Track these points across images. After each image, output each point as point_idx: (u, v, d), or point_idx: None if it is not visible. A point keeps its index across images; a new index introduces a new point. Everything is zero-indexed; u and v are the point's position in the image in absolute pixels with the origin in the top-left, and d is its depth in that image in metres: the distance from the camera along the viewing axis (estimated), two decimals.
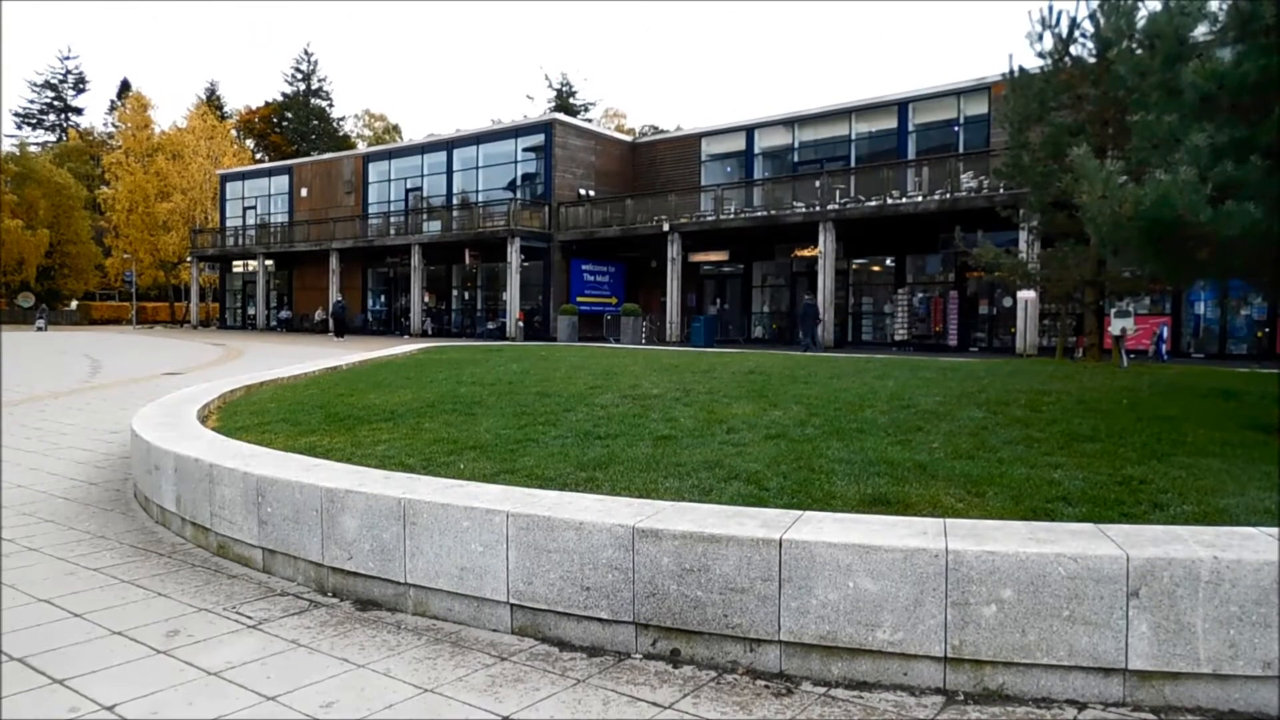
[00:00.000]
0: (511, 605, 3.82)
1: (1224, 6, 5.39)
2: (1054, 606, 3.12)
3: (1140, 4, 8.32)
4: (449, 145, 40.17)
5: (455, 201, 38.66)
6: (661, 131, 42.46)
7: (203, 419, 6.91)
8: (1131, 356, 19.51)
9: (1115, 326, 14.66)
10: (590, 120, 47.24)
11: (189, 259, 49.46)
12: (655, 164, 37.28)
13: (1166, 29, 5.51)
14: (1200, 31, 5.85)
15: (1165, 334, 23.52)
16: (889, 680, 3.29)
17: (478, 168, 38.92)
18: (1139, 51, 5.80)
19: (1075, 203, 6.22)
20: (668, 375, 9.65)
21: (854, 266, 31.29)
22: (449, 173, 39.64)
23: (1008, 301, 25.21)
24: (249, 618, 3.97)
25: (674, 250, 30.75)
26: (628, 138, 41.33)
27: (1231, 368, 13.73)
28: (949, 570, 3.17)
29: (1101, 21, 11.90)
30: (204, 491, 5.07)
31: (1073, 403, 6.75)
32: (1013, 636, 3.15)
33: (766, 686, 3.31)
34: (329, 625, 3.90)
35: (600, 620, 3.65)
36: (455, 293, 40.74)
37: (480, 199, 37.61)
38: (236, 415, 7.18)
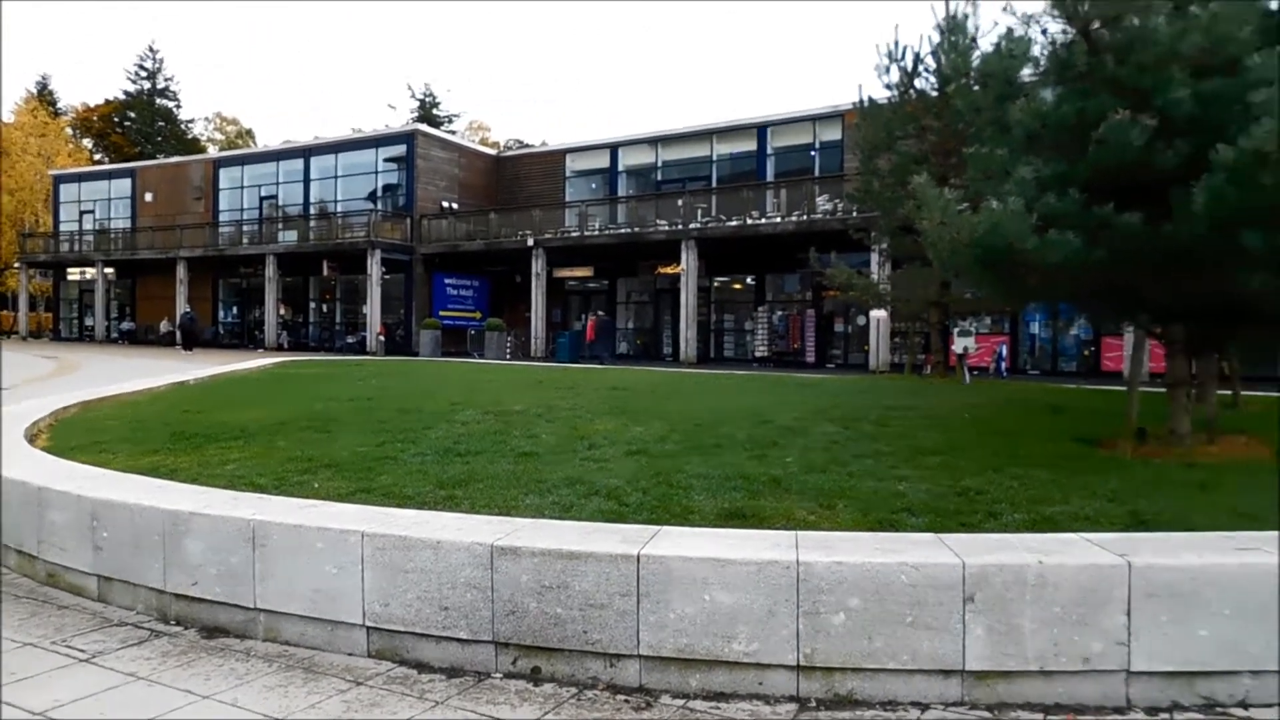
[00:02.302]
0: (368, 628, 3.74)
1: (1045, 52, 5.83)
2: (898, 613, 3.28)
3: (976, 45, 8.91)
4: (306, 153, 38.93)
5: (313, 211, 37.46)
6: (526, 146, 42.43)
7: (31, 438, 6.47)
8: (975, 373, 20.63)
9: (958, 345, 15.52)
10: (454, 132, 46.72)
11: (17, 265, 46.08)
12: (520, 178, 37.16)
13: (997, 69, 5.91)
14: (1027, 73, 6.29)
15: (1005, 352, 24.98)
16: (745, 690, 3.39)
17: (337, 177, 37.85)
18: (978, 88, 6.20)
19: (918, 228, 6.59)
20: (531, 391, 9.63)
21: (716, 284, 31.98)
22: (306, 181, 38.39)
23: (861, 320, 26.26)
24: (81, 651, 3.74)
25: (539, 265, 30.70)
26: (492, 151, 41.08)
27: (1061, 384, 14.71)
28: (800, 581, 3.30)
29: (942, 59, 12.70)
30: (32, 516, 4.74)
31: (919, 418, 7.10)
32: (860, 643, 3.30)
33: (626, 701, 3.34)
34: (171, 655, 3.72)
35: (459, 640, 3.61)
36: (313, 305, 39.42)
37: (339, 209, 36.56)
38: (71, 434, 6.75)
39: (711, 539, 3.66)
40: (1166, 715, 3.20)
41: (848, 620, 3.29)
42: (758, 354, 30.02)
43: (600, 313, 29.87)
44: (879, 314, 20.07)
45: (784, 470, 5.02)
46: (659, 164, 34.24)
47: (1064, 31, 6.01)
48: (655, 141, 34.13)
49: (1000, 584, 3.26)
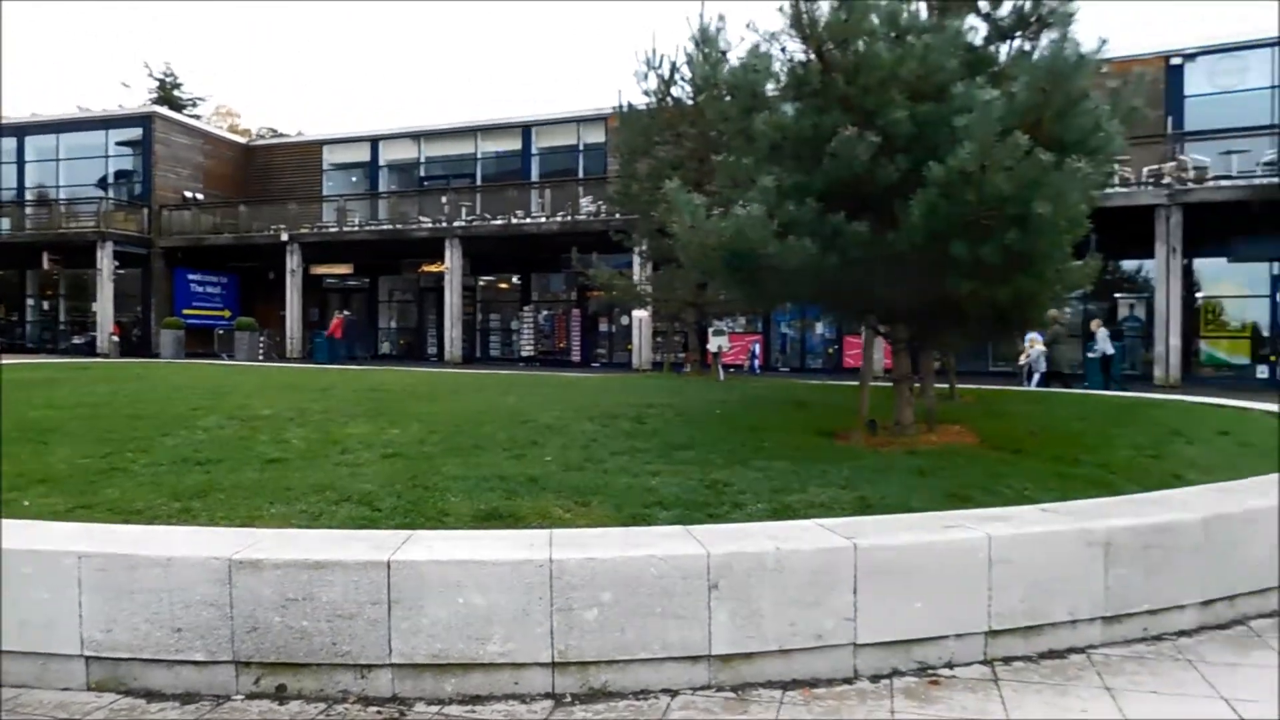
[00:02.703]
0: (87, 658, 3.41)
1: (785, 69, 6.22)
2: (648, 605, 3.39)
3: (725, 58, 9.37)
4: (20, 131, 34.82)
5: (30, 197, 33.62)
6: (281, 135, 40.05)
7: None
8: (731, 371, 21.65)
9: (713, 344, 16.24)
10: (199, 117, 43.35)
11: None
12: (273, 169, 35.11)
13: (742, 82, 6.24)
14: (771, 87, 6.67)
15: (758, 351, 26.42)
16: (501, 691, 3.38)
17: (59, 160, 34.15)
18: (728, 99, 6.53)
19: (670, 231, 6.84)
20: (282, 394, 9.14)
21: (482, 283, 31.70)
22: (20, 163, 34.37)
23: (625, 320, 26.86)
24: None
25: (294, 261, 29.17)
26: (242, 139, 38.50)
27: (808, 380, 15.73)
28: (554, 579, 3.33)
29: (696, 70, 13.29)
30: None
31: (674, 415, 7.37)
32: (613, 636, 3.38)
33: (379, 712, 3.25)
34: None
35: (195, 663, 3.37)
36: (31, 302, 35.37)
37: (62, 195, 33.02)
38: None
39: (466, 541, 3.63)
40: (887, 681, 3.50)
41: (600, 615, 3.36)
42: (524, 353, 30.03)
43: (347, 311, 28.77)
44: (641, 314, 20.63)
45: (542, 469, 5.06)
46: (422, 160, 33.47)
47: (802, 50, 6.43)
48: (418, 136, 33.34)
49: (742, 571, 3.44)
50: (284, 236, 29.01)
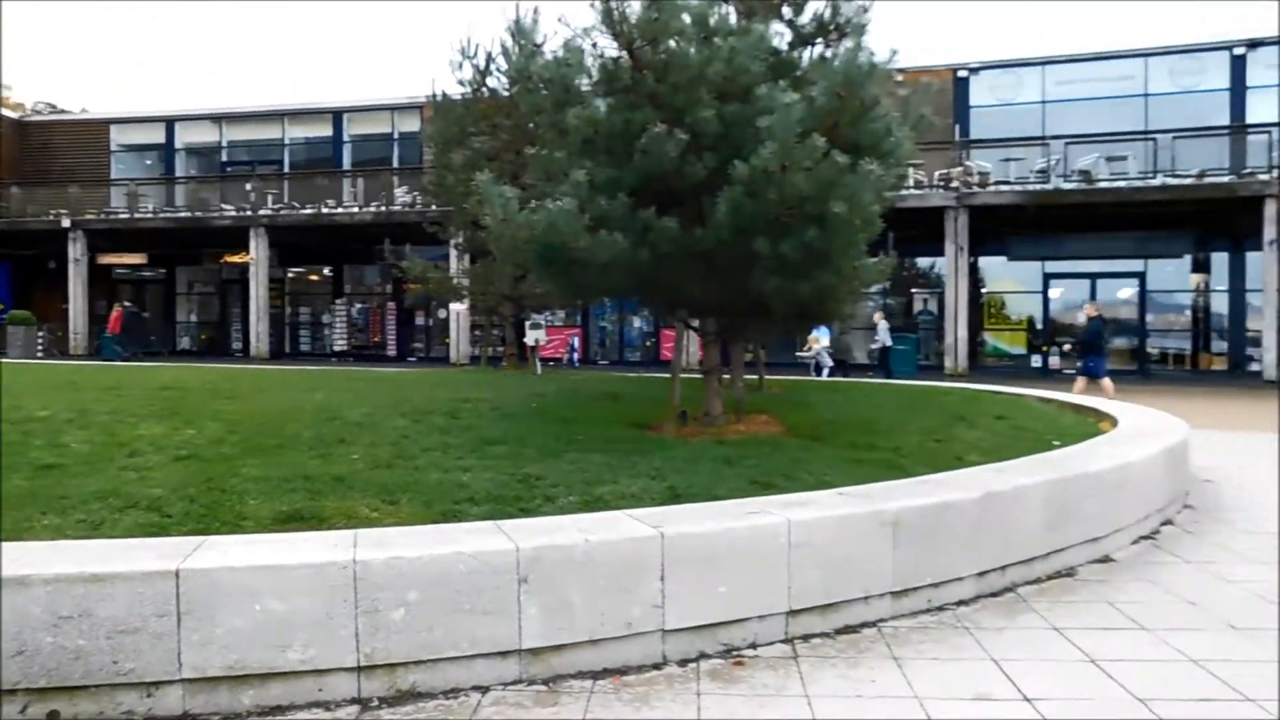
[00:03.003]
0: None
1: (597, 64, 6.27)
2: (457, 602, 3.34)
3: (539, 50, 9.34)
4: None
5: None
6: (61, 112, 36.75)
7: None
8: (550, 364, 21.67)
9: (530, 337, 16.23)
10: None
11: None
12: (52, 149, 32.24)
13: (555, 75, 6.25)
14: (584, 82, 6.71)
15: (576, 344, 26.57)
16: (304, 699, 3.25)
17: None
18: (543, 92, 6.51)
19: (482, 224, 6.77)
20: (62, 394, 8.42)
21: (290, 275, 30.34)
22: None
23: (443, 313, 26.39)
24: None
25: (77, 250, 26.92)
26: (14, 114, 35.10)
27: (625, 373, 15.96)
28: (358, 580, 3.23)
29: (511, 61, 13.16)
30: None
31: (488, 409, 7.30)
32: (421, 636, 3.32)
33: None
34: None
35: None
36: None
37: None
38: None
39: (265, 545, 3.46)
40: (695, 664, 3.61)
41: (408, 614, 3.29)
42: (336, 348, 28.99)
43: (127, 303, 26.78)
44: (458, 307, 20.32)
45: (349, 468, 4.90)
46: (224, 143, 31.63)
47: (614, 47, 6.50)
48: (219, 119, 31.48)
49: (552, 564, 3.46)
50: (65, 222, 26.72)
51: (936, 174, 23.05)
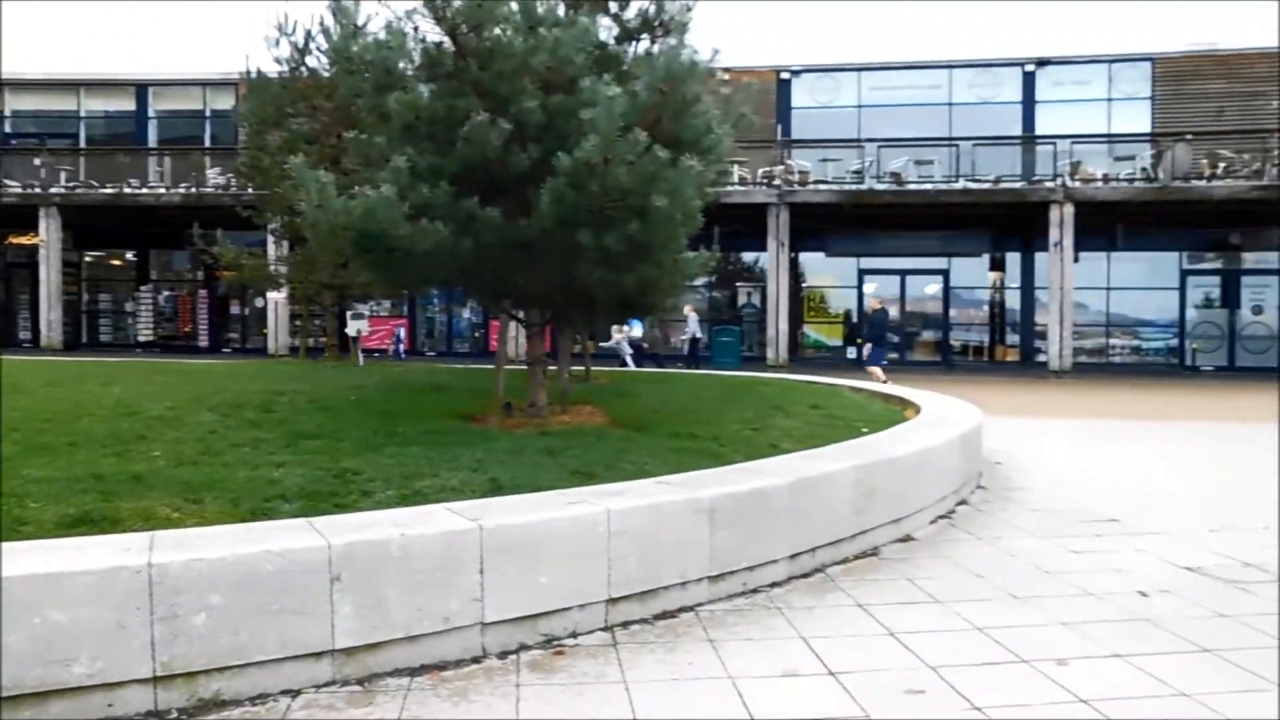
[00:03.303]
0: None
1: (419, 48, 6.13)
2: (264, 603, 3.20)
3: (360, 31, 9.01)
4: None
5: None
6: None
7: None
8: (375, 356, 21.02)
9: (352, 328, 15.71)
10: None
11: None
12: None
13: (376, 58, 6.06)
14: (406, 66, 6.54)
15: (403, 335, 25.91)
16: (92, 716, 3.03)
17: None
18: (366, 75, 6.28)
19: (297, 209, 6.50)
20: None
21: (88, 259, 28.17)
22: None
23: (260, 302, 25.14)
24: None
25: None
26: None
27: (453, 364, 15.70)
28: (154, 585, 3.04)
29: (331, 40, 12.65)
30: None
31: (305, 402, 7.02)
32: (225, 641, 3.16)
33: None
34: None
35: None
36: None
37: None
38: None
39: (46, 552, 3.20)
40: (515, 656, 3.60)
41: (210, 619, 3.12)
42: (142, 338, 27.15)
43: None
44: (276, 296, 19.40)
45: (149, 466, 4.60)
46: (7, 113, 28.93)
47: (436, 32, 6.37)
48: (1, 86, 28.76)
49: (366, 560, 3.36)
50: None
51: (760, 171, 23.85)
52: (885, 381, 13.85)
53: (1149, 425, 12.56)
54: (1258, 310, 26.43)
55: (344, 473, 4.60)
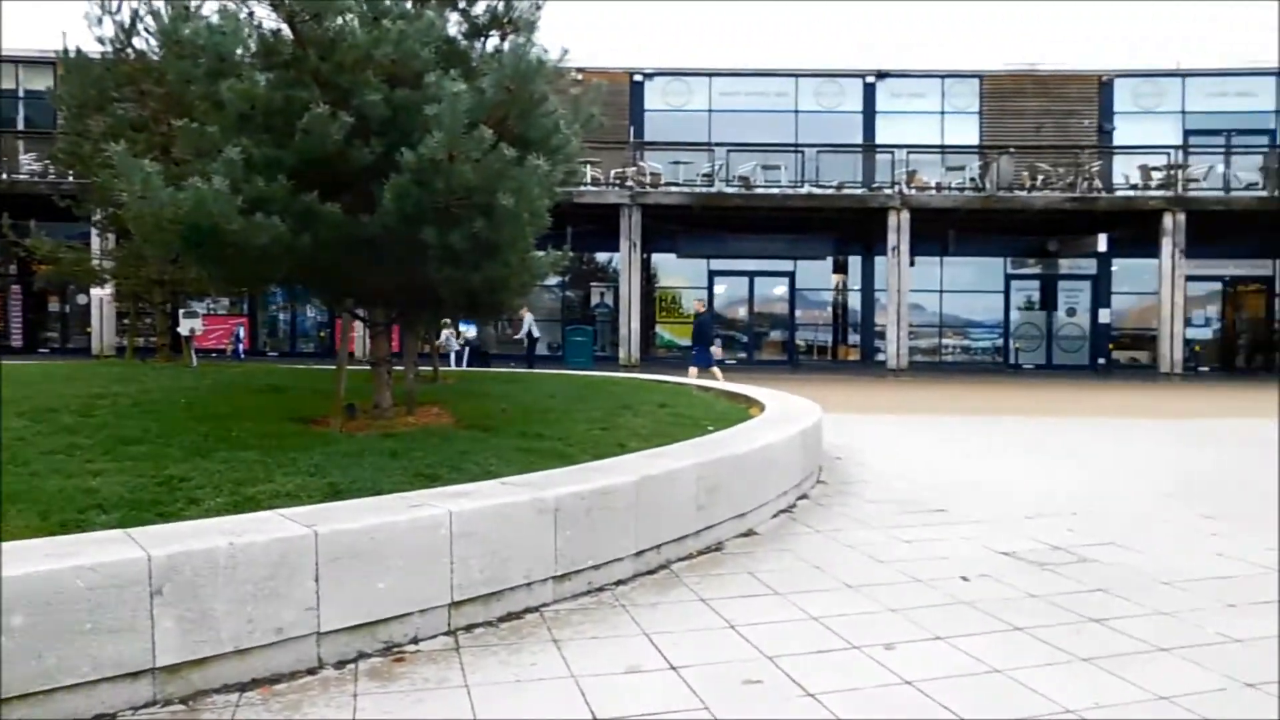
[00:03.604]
0: None
1: (255, 35, 5.87)
2: (75, 622, 2.99)
3: (192, 14, 8.54)
4: None
5: None
6: None
7: None
8: (212, 356, 20.01)
9: (184, 326, 14.90)
10: None
11: None
12: None
13: (209, 43, 5.75)
14: (242, 53, 6.24)
15: (242, 334, 24.76)
16: None
17: None
18: (200, 60, 5.93)
19: (119, 200, 6.11)
20: None
21: None
22: None
23: (82, 299, 23.51)
24: None
25: None
26: None
27: (296, 365, 15.11)
28: None
29: (160, 22, 11.92)
30: None
31: (129, 405, 6.61)
32: (30, 665, 2.93)
33: None
34: None
35: None
36: None
37: None
38: None
39: None
40: (353, 665, 3.50)
41: (11, 643, 2.89)
42: None
43: None
44: (101, 292, 18.16)
45: None
46: None
47: (274, 19, 6.12)
48: None
49: (191, 571, 3.19)
50: None
51: (613, 172, 24.02)
52: (718, 378, 14.25)
53: (976, 420, 13.35)
54: (1071, 312, 28.56)
55: (170, 480, 4.36)
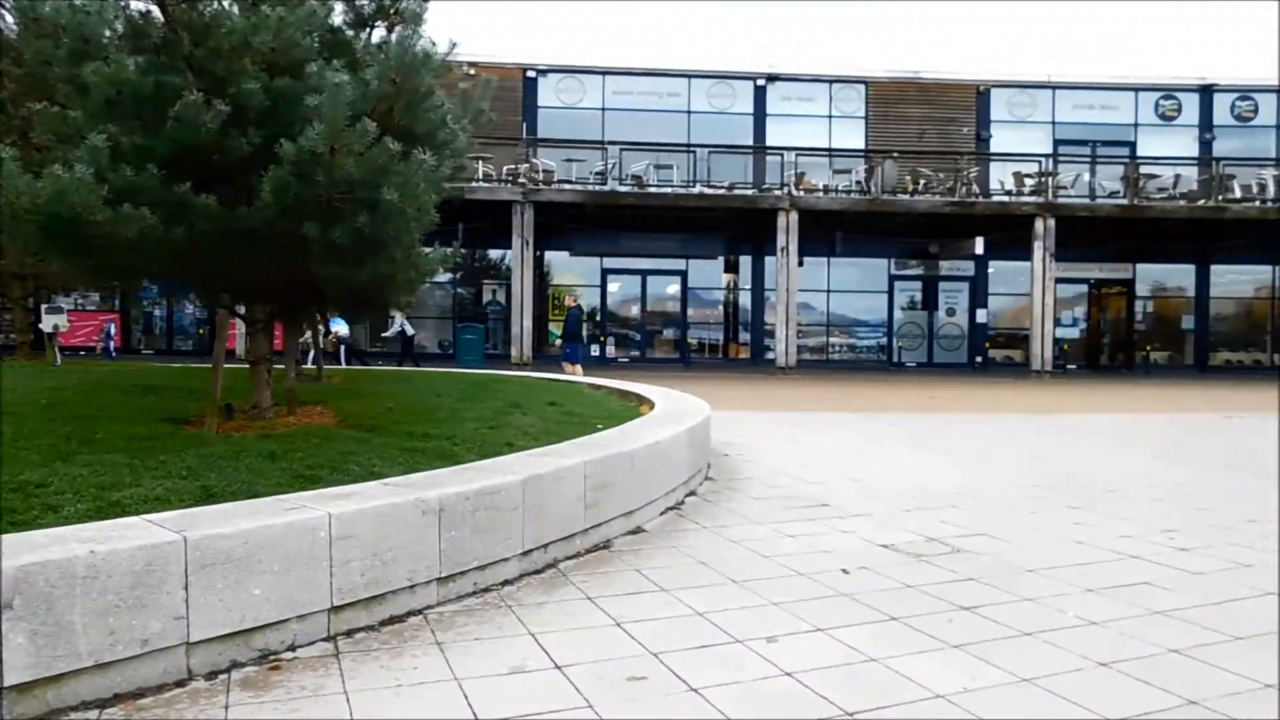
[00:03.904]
0: None
1: (123, 16, 5.59)
2: None
3: None
4: None
5: None
6: None
7: None
8: (80, 354, 18.99)
9: (47, 323, 14.12)
10: None
11: None
12: None
13: (71, 23, 5.45)
14: (108, 35, 5.93)
15: (113, 331, 23.58)
16: None
17: None
18: (64, 40, 5.59)
19: None
20: None
21: None
22: None
23: None
24: None
25: None
26: None
27: (174, 363, 14.49)
28: None
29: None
30: None
31: None
32: None
33: None
34: None
35: None
36: None
37: None
38: None
39: None
40: (225, 675, 3.36)
41: None
42: None
43: None
44: None
45: None
46: None
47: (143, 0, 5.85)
48: None
49: (45, 583, 3.02)
50: None
51: (505, 169, 23.82)
52: (578, 374, 14.32)
53: (859, 416, 13.75)
54: (951, 312, 29.72)
55: (25, 486, 4.11)
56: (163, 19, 5.65)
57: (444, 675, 3.39)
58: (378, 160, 5.15)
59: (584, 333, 18.97)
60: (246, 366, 7.01)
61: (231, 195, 5.69)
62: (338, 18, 7.10)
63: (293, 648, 3.61)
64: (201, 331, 25.32)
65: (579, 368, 16.65)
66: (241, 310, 6.77)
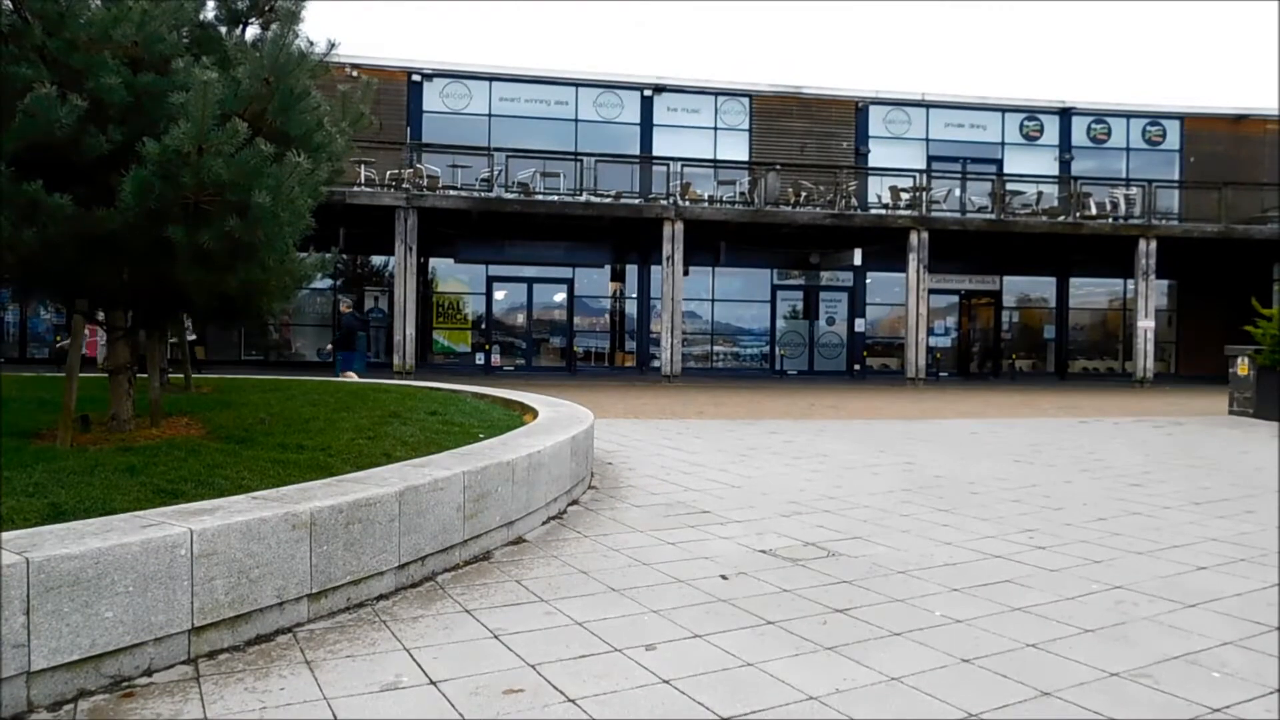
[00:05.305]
0: None
1: None
2: None
3: None
4: None
5: None
6: None
7: None
8: None
9: None
10: None
11: None
12: None
13: None
14: None
15: None
16: None
17: None
18: None
19: None
20: None
21: None
22: None
23: None
24: None
25: None
26: None
27: (25, 373, 13.65)
28: None
29: None
30: None
31: None
32: None
33: None
34: None
35: None
36: None
37: None
38: None
39: None
40: (71, 705, 3.18)
41: None
42: None
43: None
44: None
45: None
46: None
47: None
48: None
49: None
50: None
51: (389, 174, 23.35)
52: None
53: (741, 424, 13.98)
54: (831, 321, 30.58)
55: None
56: (11, 5, 5.32)
57: (313, 695, 3.28)
58: (249, 162, 4.97)
59: (360, 341, 17.98)
60: (106, 376, 6.66)
61: (89, 196, 5.39)
62: (209, 13, 6.84)
63: (149, 672, 3.43)
64: (58, 339, 23.91)
65: (354, 375, 15.63)
66: (101, 316, 6.42)
